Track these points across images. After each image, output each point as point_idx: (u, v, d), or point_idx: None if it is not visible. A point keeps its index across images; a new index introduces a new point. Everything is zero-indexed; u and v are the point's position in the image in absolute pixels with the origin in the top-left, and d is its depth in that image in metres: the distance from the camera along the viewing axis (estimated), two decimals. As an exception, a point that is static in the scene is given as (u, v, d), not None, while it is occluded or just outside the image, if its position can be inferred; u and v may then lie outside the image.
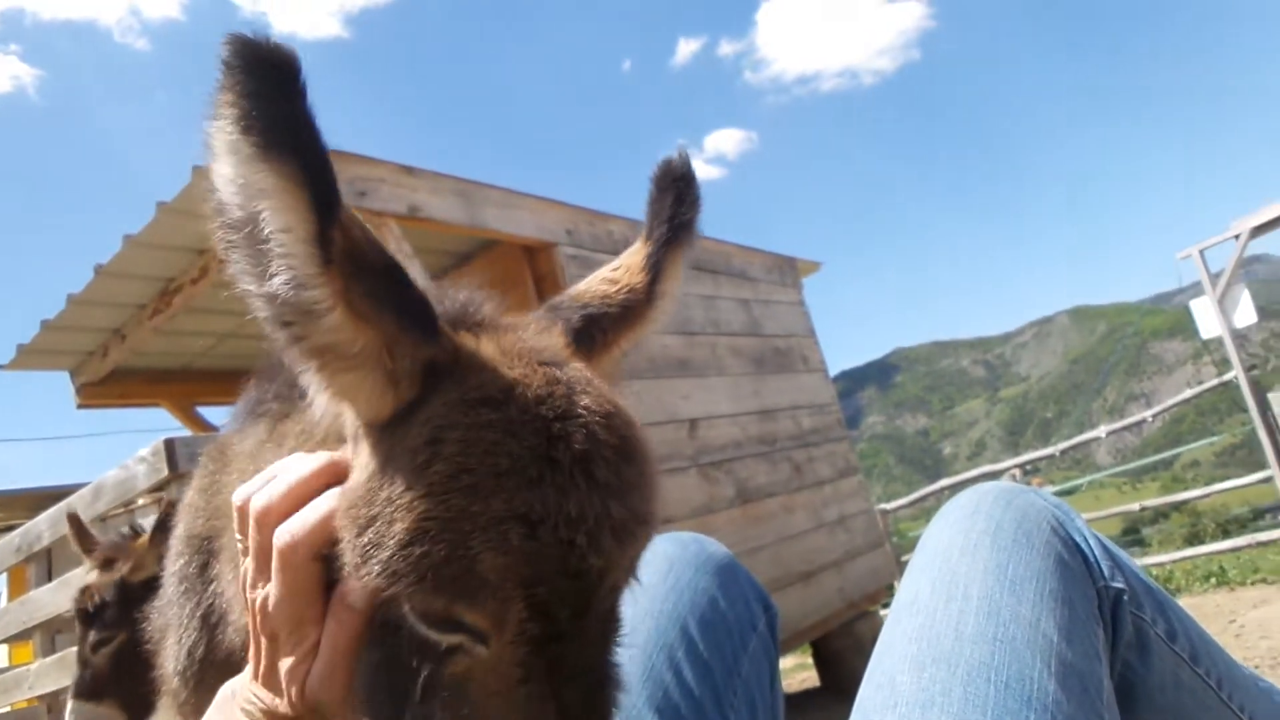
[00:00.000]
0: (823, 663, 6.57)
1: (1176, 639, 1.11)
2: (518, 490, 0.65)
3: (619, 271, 0.91)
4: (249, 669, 0.80)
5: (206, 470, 1.06)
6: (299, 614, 0.74)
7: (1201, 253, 7.60)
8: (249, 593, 0.77)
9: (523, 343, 0.77)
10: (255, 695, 0.78)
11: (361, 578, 0.67)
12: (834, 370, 7.22)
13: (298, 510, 0.75)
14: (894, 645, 1.01)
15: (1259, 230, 7.34)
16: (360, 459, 0.73)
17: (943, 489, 11.05)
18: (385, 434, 0.71)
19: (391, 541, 0.65)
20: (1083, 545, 1.11)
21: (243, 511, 0.78)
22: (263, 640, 0.76)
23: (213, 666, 0.96)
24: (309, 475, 0.77)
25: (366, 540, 0.66)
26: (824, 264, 7.71)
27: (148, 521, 2.51)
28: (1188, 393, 8.61)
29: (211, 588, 0.97)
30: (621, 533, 0.69)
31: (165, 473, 2.77)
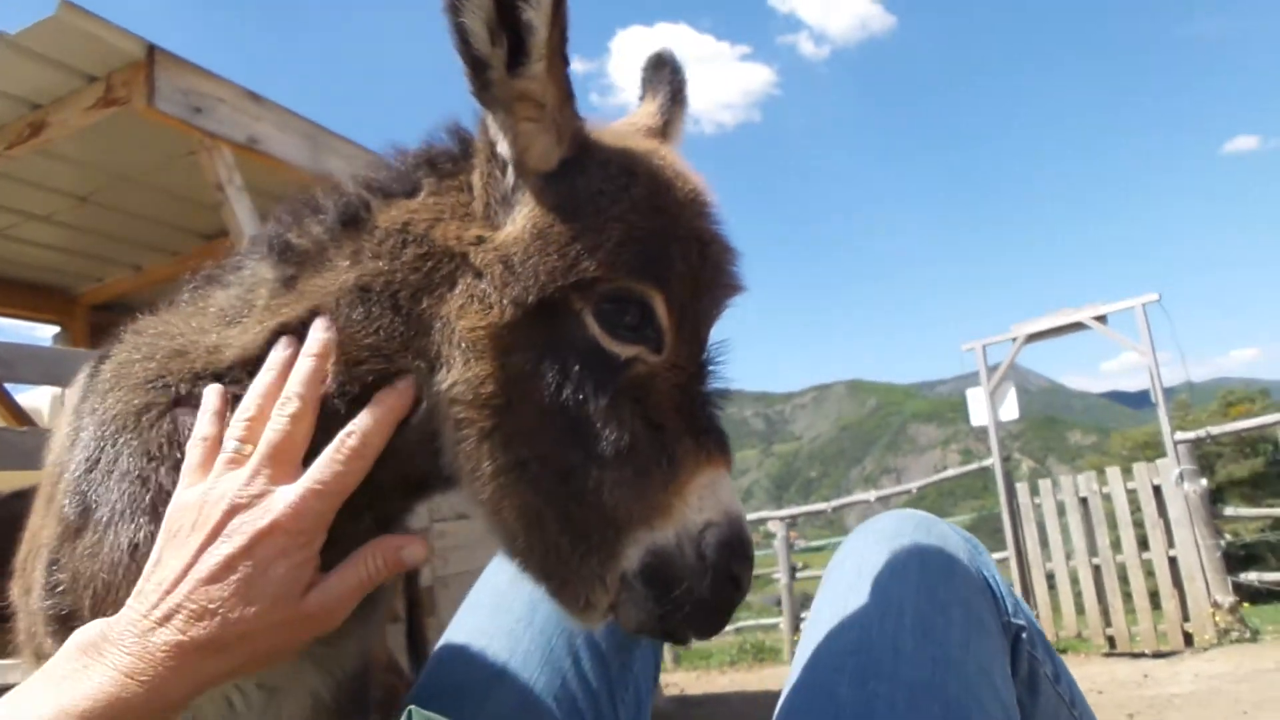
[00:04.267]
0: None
1: (1060, 682, 1.15)
2: (694, 218, 0.87)
3: (637, 117, 1.11)
4: (151, 598, 0.78)
5: (129, 350, 1.01)
6: (328, 513, 0.81)
7: (984, 348, 8.41)
8: (240, 491, 0.80)
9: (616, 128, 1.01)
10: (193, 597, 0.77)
11: (574, 271, 0.80)
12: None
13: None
14: (827, 656, 1.00)
15: (1033, 337, 8.23)
16: (521, 210, 0.86)
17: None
18: (553, 182, 0.86)
19: (610, 243, 0.80)
20: (990, 580, 1.13)
21: (258, 415, 0.86)
22: (235, 545, 0.78)
23: None
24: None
25: (576, 249, 0.80)
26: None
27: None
28: (951, 471, 9.44)
29: (163, 470, 0.90)
30: (738, 261, 0.92)
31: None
